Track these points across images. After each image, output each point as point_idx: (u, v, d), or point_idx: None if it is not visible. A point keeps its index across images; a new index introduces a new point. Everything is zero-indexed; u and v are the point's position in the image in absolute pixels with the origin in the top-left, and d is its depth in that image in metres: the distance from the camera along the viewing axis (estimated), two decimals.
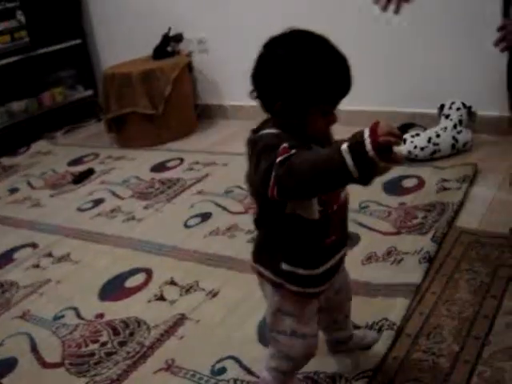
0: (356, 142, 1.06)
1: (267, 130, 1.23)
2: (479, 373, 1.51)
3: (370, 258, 2.05)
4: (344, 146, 1.06)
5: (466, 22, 2.87)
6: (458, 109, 2.78)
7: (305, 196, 1.19)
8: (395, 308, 1.76)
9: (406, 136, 2.74)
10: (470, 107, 2.81)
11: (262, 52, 1.23)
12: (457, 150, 2.76)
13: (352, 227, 2.21)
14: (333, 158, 1.08)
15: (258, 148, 1.18)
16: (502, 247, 2.00)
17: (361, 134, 1.06)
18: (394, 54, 3.14)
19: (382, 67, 3.19)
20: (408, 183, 2.54)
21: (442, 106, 2.84)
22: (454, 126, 2.76)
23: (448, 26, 2.94)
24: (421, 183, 2.52)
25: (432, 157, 2.72)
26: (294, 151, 1.11)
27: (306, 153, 1.14)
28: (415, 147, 2.71)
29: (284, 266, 1.30)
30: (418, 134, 2.74)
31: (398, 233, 2.18)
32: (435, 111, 2.88)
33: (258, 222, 1.36)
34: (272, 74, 1.19)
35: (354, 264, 2.02)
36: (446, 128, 2.75)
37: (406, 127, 2.95)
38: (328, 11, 3.17)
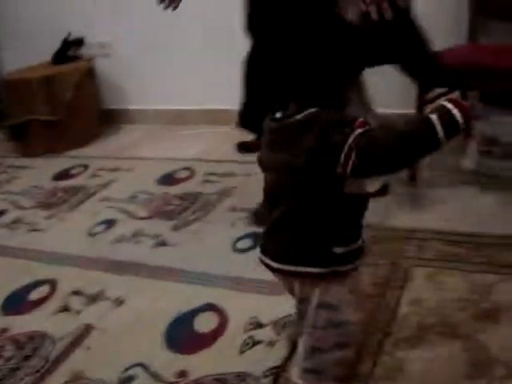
0: (444, 112, 1.11)
1: (313, 110, 1.19)
2: (382, 363, 1.55)
3: None
4: (434, 116, 1.10)
5: None
6: None
7: (386, 169, 1.16)
8: None
9: None
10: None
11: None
12: None
13: (256, 228, 2.27)
14: (422, 129, 1.12)
15: (321, 124, 1.15)
16: (402, 240, 2.07)
17: (443, 106, 1.11)
18: None
19: None
20: None
21: None
22: None
23: None
24: None
25: None
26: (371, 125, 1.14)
27: (386, 126, 1.17)
28: None
29: (338, 250, 1.24)
30: None
31: None
32: None
33: (295, 217, 1.26)
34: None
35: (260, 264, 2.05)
36: None
37: None
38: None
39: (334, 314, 1.27)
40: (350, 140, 1.11)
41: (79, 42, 3.75)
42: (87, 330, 1.87)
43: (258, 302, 1.86)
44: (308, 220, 1.25)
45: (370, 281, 1.87)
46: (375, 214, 2.25)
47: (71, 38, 3.71)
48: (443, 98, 1.14)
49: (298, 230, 1.26)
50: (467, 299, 1.74)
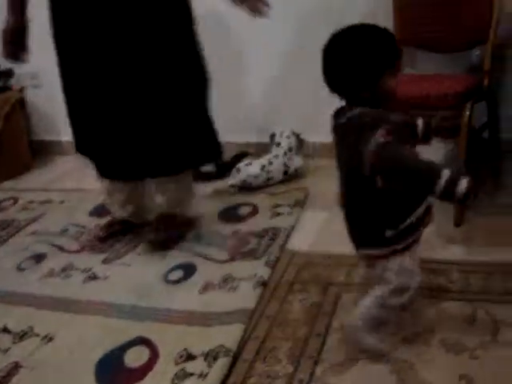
0: (454, 180, 1.33)
1: (360, 109, 1.48)
2: None
3: (206, 287, 2.08)
4: (445, 174, 1.33)
5: (292, 50, 3.04)
6: (288, 137, 2.91)
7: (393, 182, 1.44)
8: (232, 334, 1.80)
9: (240, 165, 2.82)
10: (298, 134, 2.95)
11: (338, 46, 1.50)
12: (289, 175, 2.89)
13: (188, 258, 2.28)
14: (427, 175, 1.37)
15: (355, 128, 1.46)
16: (331, 266, 2.10)
17: (461, 175, 1.34)
18: (225, 84, 3.21)
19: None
20: (243, 211, 2.62)
21: (273, 135, 2.96)
22: (285, 153, 2.88)
23: (273, 54, 3.08)
24: (255, 210, 2.61)
25: (266, 184, 2.82)
26: (393, 138, 1.38)
27: (406, 148, 1.45)
28: (249, 176, 2.79)
29: (388, 233, 1.53)
30: (251, 163, 2.83)
31: (232, 260, 2.23)
32: (267, 140, 3.00)
33: (352, 210, 1.61)
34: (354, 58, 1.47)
35: (190, 295, 2.05)
36: (277, 155, 2.87)
37: (239, 157, 3.05)
38: None
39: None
40: (371, 147, 1.37)
41: (8, 73, 3.69)
42: (16, 368, 1.82)
43: (189, 334, 1.85)
44: (361, 211, 1.57)
45: (302, 308, 1.89)
46: (304, 241, 2.30)
47: (0, 68, 3.65)
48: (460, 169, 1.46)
49: (356, 221, 1.60)
50: (397, 322, 1.77)
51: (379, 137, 1.37)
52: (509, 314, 1.76)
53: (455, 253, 2.14)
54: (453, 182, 1.33)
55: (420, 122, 1.67)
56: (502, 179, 2.70)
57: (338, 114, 1.56)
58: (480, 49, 2.62)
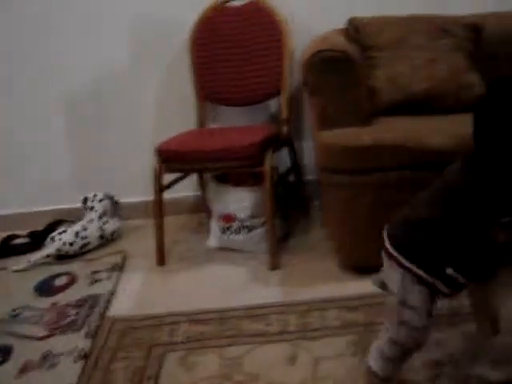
0: None
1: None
2: None
3: (25, 369, 1.95)
4: None
5: (94, 115, 3.02)
6: (101, 200, 2.86)
7: None
8: None
9: (54, 234, 2.72)
10: (112, 197, 2.91)
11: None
12: (106, 239, 2.82)
13: (3, 339, 2.13)
14: None
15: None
16: (153, 327, 2.07)
17: None
18: (27, 149, 3.11)
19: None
20: (60, 281, 2.51)
21: (85, 199, 2.89)
22: (100, 217, 2.82)
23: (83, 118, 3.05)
24: (72, 279, 2.51)
25: (82, 251, 2.74)
26: None
27: None
28: (64, 244, 2.69)
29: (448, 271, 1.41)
30: (65, 231, 2.74)
31: (51, 335, 2.11)
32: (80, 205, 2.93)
33: None
34: None
35: (7, 380, 1.91)
36: (92, 220, 2.80)
37: (53, 225, 2.94)
38: None
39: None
40: None
41: None
42: None
43: None
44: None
45: (126, 376, 1.84)
46: (125, 305, 2.25)
47: None
48: None
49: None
50: (219, 375, 1.77)
51: None
52: (326, 349, 1.83)
53: (272, 296, 2.19)
54: None
55: None
56: (311, 219, 2.85)
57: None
58: (277, 99, 2.77)
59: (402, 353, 1.50)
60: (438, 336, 1.82)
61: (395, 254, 1.44)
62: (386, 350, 1.50)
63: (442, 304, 1.99)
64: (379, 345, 1.53)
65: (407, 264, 1.41)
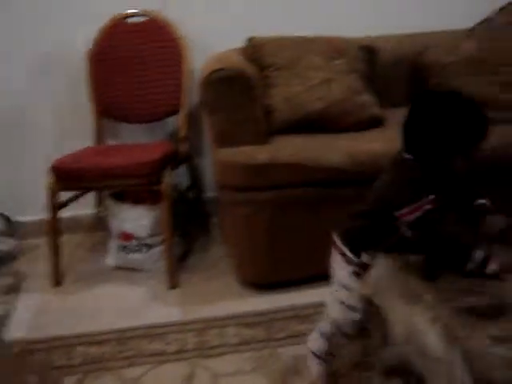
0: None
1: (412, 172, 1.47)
2: None
3: None
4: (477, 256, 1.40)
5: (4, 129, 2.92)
6: None
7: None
8: None
9: None
10: (7, 217, 2.81)
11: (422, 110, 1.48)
12: (0, 259, 2.72)
13: None
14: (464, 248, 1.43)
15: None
16: (50, 350, 2.01)
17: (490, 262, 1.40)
18: None
19: None
20: None
21: None
22: None
23: None
24: None
25: None
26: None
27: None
28: None
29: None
30: None
31: None
32: None
33: None
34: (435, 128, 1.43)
35: None
36: None
37: None
38: None
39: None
40: None
41: None
42: None
43: None
44: None
45: None
46: (21, 328, 2.18)
47: None
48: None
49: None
50: None
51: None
52: (225, 366, 1.84)
53: (171, 315, 2.18)
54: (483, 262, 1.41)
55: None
56: (211, 236, 2.86)
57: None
58: (177, 116, 2.77)
59: (339, 331, 1.62)
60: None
61: (335, 238, 1.60)
62: (326, 329, 1.64)
63: None
64: (320, 326, 1.68)
65: (342, 247, 1.57)
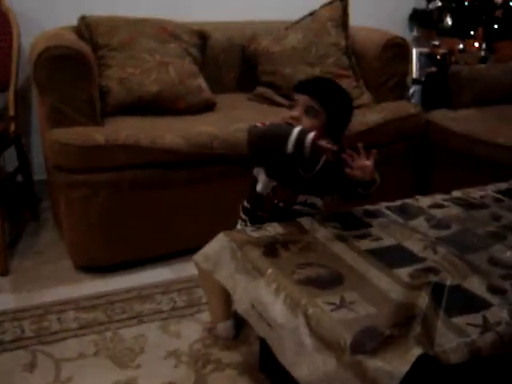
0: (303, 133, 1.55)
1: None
2: None
3: None
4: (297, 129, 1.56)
5: None
6: None
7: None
8: None
9: None
10: None
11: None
12: None
13: None
14: (283, 129, 1.61)
15: None
16: None
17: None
18: None
19: None
20: None
21: None
22: None
23: None
24: None
25: None
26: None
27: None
28: None
29: None
30: None
31: None
32: None
33: None
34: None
35: None
36: None
37: None
38: None
39: None
40: None
41: None
42: None
43: None
44: None
45: None
46: None
47: None
48: None
49: None
50: None
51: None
52: (67, 351, 1.81)
53: (5, 302, 2.08)
54: (301, 134, 1.54)
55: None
56: (42, 220, 2.75)
57: None
58: (3, 95, 2.62)
59: None
60: (177, 327, 1.93)
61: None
62: None
63: (180, 297, 2.13)
64: None
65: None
